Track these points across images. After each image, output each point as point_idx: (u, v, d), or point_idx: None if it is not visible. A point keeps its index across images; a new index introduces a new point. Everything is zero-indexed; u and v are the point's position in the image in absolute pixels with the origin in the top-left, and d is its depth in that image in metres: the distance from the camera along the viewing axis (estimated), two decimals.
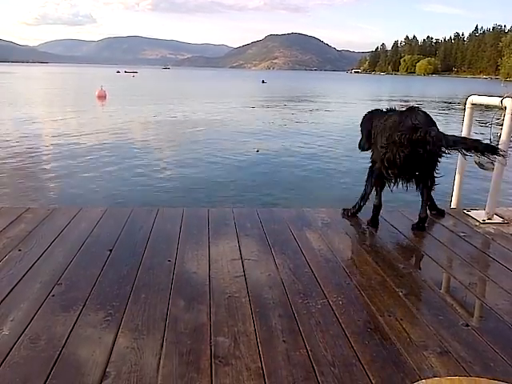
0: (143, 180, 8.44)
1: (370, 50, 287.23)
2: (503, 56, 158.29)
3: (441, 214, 3.79)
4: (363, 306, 2.28)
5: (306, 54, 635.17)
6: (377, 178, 3.38)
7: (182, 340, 1.95)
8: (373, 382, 1.72)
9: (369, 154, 3.58)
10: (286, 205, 6.41)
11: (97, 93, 28.65)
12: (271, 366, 1.79)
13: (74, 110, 22.40)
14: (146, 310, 2.17)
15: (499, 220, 3.69)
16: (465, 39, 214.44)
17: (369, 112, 3.62)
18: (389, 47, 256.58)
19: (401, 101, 36.26)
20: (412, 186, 3.41)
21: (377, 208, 3.46)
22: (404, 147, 3.02)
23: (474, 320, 2.22)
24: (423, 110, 3.22)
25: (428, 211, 3.56)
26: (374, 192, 3.51)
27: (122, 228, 3.28)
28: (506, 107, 3.50)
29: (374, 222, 3.49)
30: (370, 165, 3.52)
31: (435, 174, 3.36)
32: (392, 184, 3.34)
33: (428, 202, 3.53)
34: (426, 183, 3.40)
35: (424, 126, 3.01)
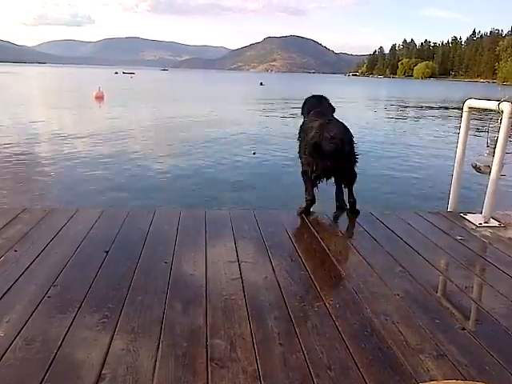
0: (140, 181, 8.42)
1: (368, 54, 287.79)
2: (500, 60, 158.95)
3: (341, 208, 3.92)
4: (360, 308, 2.28)
5: (305, 56, 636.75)
6: (308, 178, 3.68)
7: (178, 342, 1.94)
8: None
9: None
10: (283, 207, 6.41)
11: (94, 93, 28.61)
12: (267, 368, 1.79)
13: (72, 110, 22.38)
14: (142, 312, 2.17)
15: (496, 224, 3.70)
16: (462, 43, 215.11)
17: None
18: (387, 50, 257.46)
19: (399, 104, 36.37)
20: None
21: (312, 201, 3.72)
22: (325, 156, 3.46)
23: (471, 324, 2.22)
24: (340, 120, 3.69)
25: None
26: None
27: (119, 229, 3.27)
28: (502, 111, 3.51)
29: (307, 211, 3.72)
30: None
31: (355, 170, 3.71)
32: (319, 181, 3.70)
33: (352, 190, 3.76)
34: (348, 179, 3.72)
35: (340, 137, 3.47)
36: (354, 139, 3.64)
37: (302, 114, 4.10)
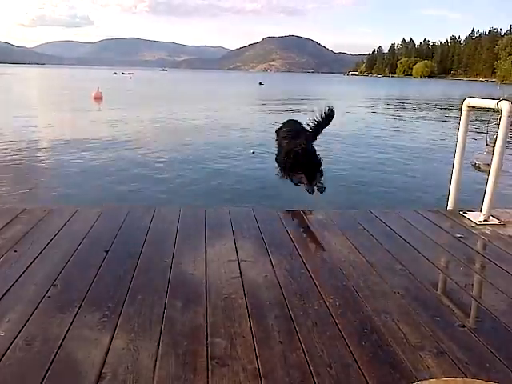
0: (139, 181, 8.42)
1: (367, 53, 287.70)
2: (499, 59, 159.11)
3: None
4: (359, 306, 2.28)
5: (303, 56, 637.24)
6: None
7: (179, 341, 1.94)
8: (369, 382, 1.72)
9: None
10: (282, 205, 6.41)
11: (93, 94, 28.61)
12: (268, 367, 1.79)
13: (71, 111, 22.38)
14: (142, 311, 2.17)
15: (495, 221, 3.71)
16: (461, 42, 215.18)
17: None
18: (386, 50, 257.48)
19: (398, 103, 36.38)
20: None
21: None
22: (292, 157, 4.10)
23: (471, 321, 2.22)
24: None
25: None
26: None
27: (119, 229, 3.27)
28: (501, 110, 3.51)
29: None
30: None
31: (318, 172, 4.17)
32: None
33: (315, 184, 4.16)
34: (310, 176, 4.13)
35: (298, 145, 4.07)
36: (310, 150, 4.12)
37: (277, 132, 4.62)
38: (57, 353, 1.84)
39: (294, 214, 3.80)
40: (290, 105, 30.68)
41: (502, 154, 3.57)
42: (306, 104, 31.91)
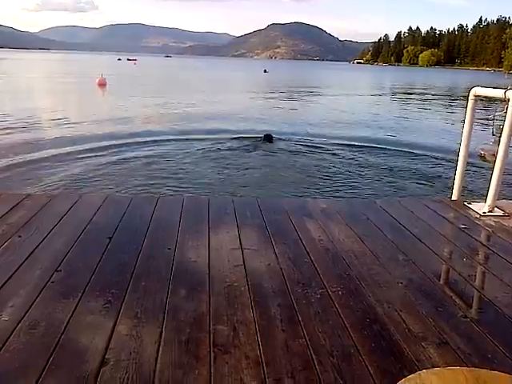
0: (141, 167, 8.40)
1: (373, 41, 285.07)
2: (507, 48, 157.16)
3: None
4: (362, 296, 2.28)
5: (309, 43, 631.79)
6: None
7: (182, 328, 1.95)
8: (371, 372, 1.72)
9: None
10: (285, 194, 6.40)
11: (97, 80, 28.51)
12: (270, 354, 1.80)
13: (75, 97, 22.33)
14: (145, 298, 2.17)
15: (500, 213, 3.69)
16: (468, 31, 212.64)
17: None
18: (392, 38, 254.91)
19: (403, 91, 36.11)
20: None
21: None
22: None
23: (473, 312, 2.22)
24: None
25: None
26: None
27: (122, 216, 3.28)
28: (509, 99, 3.47)
29: None
30: None
31: None
32: None
33: None
34: None
35: None
36: None
37: None
38: (60, 338, 1.85)
39: (298, 202, 3.79)
40: (293, 92, 30.49)
41: (507, 144, 3.54)
42: (309, 91, 31.72)
